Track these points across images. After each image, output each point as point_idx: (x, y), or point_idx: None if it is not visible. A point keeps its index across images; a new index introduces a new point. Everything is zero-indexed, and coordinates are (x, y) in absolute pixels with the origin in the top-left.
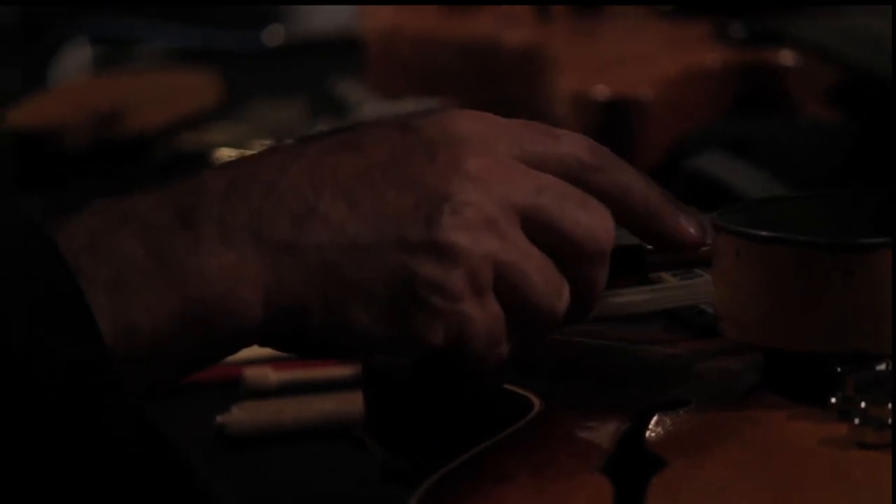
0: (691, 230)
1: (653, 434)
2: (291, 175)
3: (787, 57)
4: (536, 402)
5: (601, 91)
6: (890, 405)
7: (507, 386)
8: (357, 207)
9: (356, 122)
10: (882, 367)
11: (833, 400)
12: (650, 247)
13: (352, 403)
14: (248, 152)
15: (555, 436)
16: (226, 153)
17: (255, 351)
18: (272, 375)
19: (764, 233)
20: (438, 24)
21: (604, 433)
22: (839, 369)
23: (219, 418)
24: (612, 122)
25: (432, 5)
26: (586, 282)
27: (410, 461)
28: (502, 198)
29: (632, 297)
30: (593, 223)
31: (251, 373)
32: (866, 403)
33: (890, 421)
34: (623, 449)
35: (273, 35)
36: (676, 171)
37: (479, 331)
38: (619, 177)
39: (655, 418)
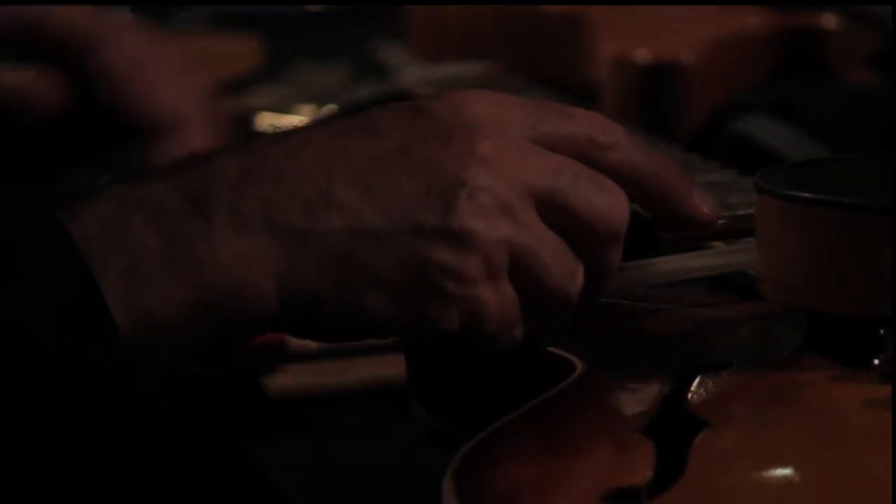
0: (704, 209)
1: (695, 396)
2: (304, 161)
3: (829, 20)
4: (579, 364)
5: (643, 55)
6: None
7: (549, 348)
8: (370, 194)
9: (393, 88)
10: None
11: (876, 362)
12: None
13: (394, 366)
14: (290, 116)
15: (597, 398)
16: (268, 117)
17: None
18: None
19: (807, 195)
20: None
21: (646, 395)
22: (882, 331)
23: (264, 381)
24: (654, 86)
25: None
26: (600, 263)
27: (452, 423)
28: (516, 181)
29: (681, 264)
30: (607, 204)
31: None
32: None
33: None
34: (665, 411)
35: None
36: (719, 135)
37: (494, 315)
38: (632, 155)
39: (697, 380)
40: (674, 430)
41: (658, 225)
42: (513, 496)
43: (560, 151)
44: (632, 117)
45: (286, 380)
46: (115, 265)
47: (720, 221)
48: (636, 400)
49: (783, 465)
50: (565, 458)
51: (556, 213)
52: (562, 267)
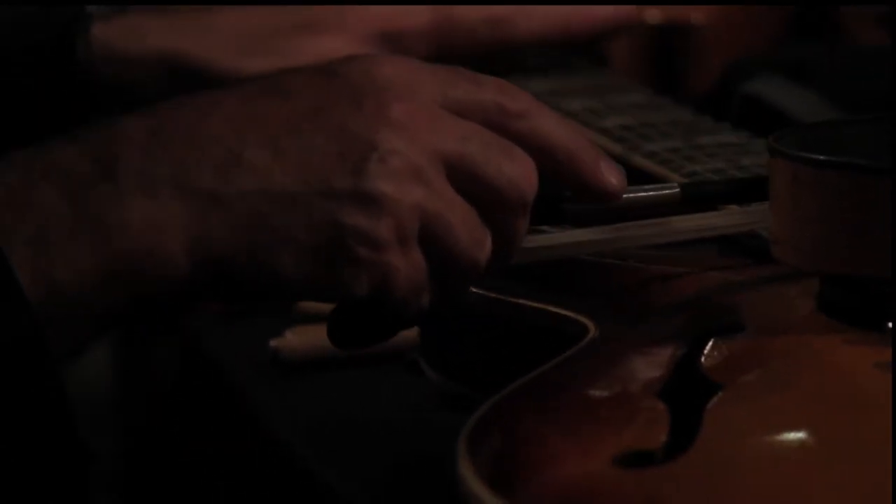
0: (612, 180)
1: (708, 359)
2: (214, 123)
3: None
4: (592, 327)
5: (653, 15)
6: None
7: (562, 311)
8: (282, 155)
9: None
10: None
11: (889, 324)
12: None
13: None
14: None
15: (610, 361)
16: None
17: None
18: None
19: (820, 157)
20: None
21: (660, 359)
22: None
23: (272, 343)
24: (665, 46)
25: None
26: (508, 231)
27: (466, 386)
28: (428, 146)
29: (695, 222)
30: (516, 173)
31: None
32: None
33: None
34: (679, 374)
35: None
36: (731, 96)
37: (403, 281)
38: (542, 124)
39: (711, 343)
40: (688, 394)
41: (564, 196)
42: (526, 459)
43: (470, 118)
44: (642, 77)
45: (295, 340)
46: (22, 233)
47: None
48: (650, 363)
49: (796, 428)
50: (579, 422)
51: (466, 180)
52: (470, 234)
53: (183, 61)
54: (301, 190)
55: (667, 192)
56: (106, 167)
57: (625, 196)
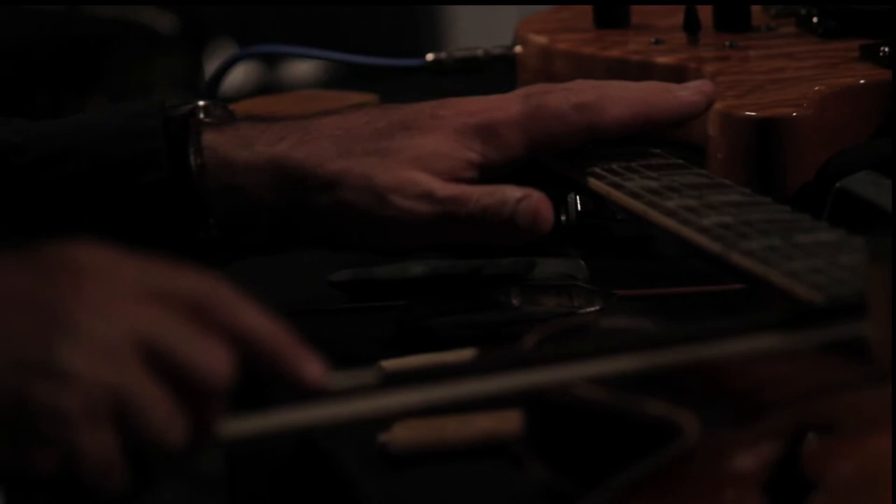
0: (311, 371)
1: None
2: None
3: None
4: (689, 426)
5: (750, 111)
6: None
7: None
8: None
9: None
10: None
11: None
12: None
13: (510, 422)
14: None
15: (711, 460)
16: None
17: None
18: None
19: None
20: (593, 45)
21: (759, 456)
22: None
23: (381, 436)
24: (761, 142)
25: (588, 29)
26: (204, 415)
27: (571, 481)
28: (122, 326)
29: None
30: (207, 361)
31: None
32: None
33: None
34: (779, 473)
35: (430, 54)
36: (827, 192)
37: (90, 460)
38: (239, 316)
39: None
40: (787, 492)
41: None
42: None
43: (168, 306)
44: (740, 174)
45: (404, 434)
46: None
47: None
48: (749, 462)
49: None
50: None
51: (159, 363)
52: (162, 416)
53: (289, 166)
54: None
55: None
56: None
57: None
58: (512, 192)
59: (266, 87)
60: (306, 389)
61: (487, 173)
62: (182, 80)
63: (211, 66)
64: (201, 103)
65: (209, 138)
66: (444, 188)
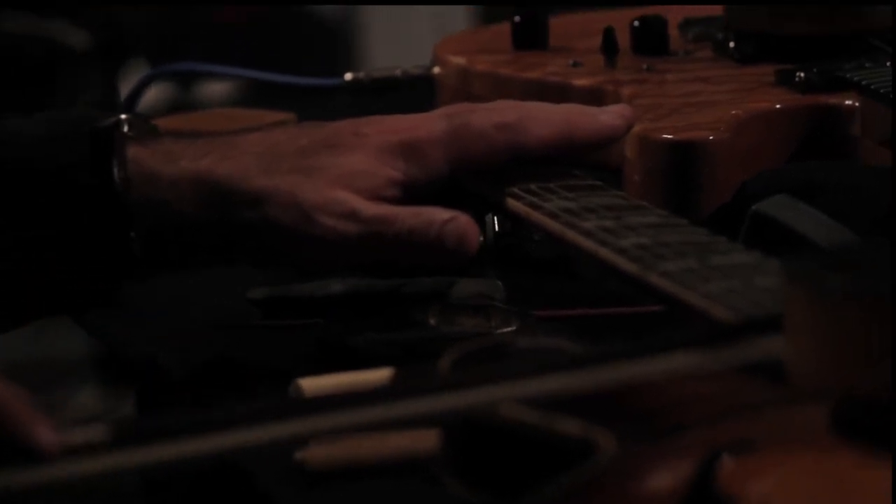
0: (44, 436)
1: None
2: None
3: (850, 102)
4: (603, 444)
5: (667, 134)
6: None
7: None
8: None
9: None
10: None
11: None
12: None
13: (428, 439)
14: None
15: (626, 477)
16: None
17: None
18: None
19: (834, 282)
20: (511, 66)
21: (673, 475)
22: None
23: (297, 454)
24: (677, 165)
25: (506, 50)
26: None
27: (489, 499)
28: None
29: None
30: None
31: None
32: None
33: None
34: (695, 492)
35: (348, 73)
36: (742, 216)
37: None
38: None
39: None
40: None
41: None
42: None
43: None
44: (657, 196)
45: (320, 451)
46: None
47: None
48: (665, 481)
49: None
50: None
51: None
52: None
53: (213, 182)
54: None
55: None
56: None
57: None
58: (439, 214)
59: (180, 107)
60: (41, 453)
61: (410, 192)
62: (95, 97)
63: (125, 85)
64: (124, 117)
65: (133, 152)
66: (369, 208)
